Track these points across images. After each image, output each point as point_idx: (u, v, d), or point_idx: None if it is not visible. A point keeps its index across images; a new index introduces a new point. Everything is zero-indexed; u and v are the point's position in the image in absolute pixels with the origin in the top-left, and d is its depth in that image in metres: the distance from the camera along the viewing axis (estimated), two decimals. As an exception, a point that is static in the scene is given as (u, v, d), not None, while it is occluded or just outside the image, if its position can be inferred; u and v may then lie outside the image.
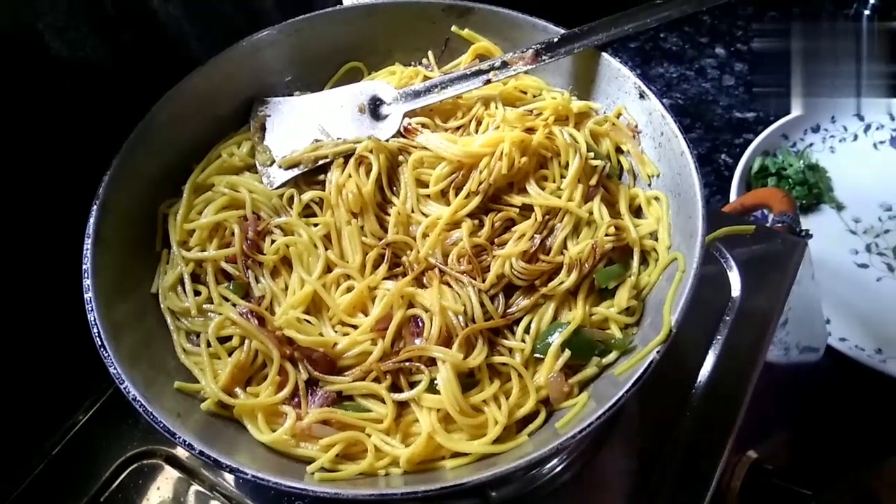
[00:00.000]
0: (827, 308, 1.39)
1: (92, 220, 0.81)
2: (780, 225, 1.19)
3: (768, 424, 1.12)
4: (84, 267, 0.78)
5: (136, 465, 0.97)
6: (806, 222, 1.57)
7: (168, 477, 0.96)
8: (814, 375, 1.34)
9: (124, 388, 0.70)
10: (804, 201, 1.61)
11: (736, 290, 1.05)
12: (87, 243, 0.80)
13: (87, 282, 0.77)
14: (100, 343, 0.73)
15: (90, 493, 0.95)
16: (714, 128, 1.79)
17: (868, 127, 1.71)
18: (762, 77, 1.88)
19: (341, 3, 1.32)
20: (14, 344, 0.97)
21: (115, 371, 0.71)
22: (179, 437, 0.67)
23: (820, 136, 1.71)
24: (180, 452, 0.97)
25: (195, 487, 0.94)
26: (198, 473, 0.95)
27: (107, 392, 1.04)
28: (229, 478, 0.94)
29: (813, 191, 1.62)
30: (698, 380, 0.98)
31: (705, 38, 1.98)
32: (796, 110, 1.72)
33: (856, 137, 1.71)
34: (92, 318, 0.74)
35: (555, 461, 0.93)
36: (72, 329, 0.98)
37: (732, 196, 1.55)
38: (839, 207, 1.63)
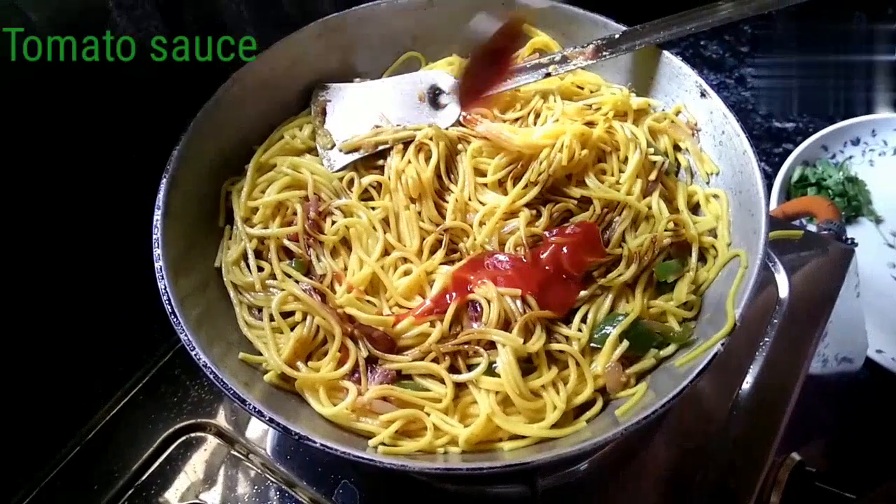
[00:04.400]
0: (865, 320, 1.39)
1: (161, 194, 0.83)
2: (826, 233, 1.19)
3: (808, 428, 1.12)
4: (154, 237, 0.80)
5: (183, 438, 0.99)
6: (843, 234, 1.57)
7: (216, 450, 0.97)
8: (851, 384, 1.34)
9: (195, 355, 0.71)
10: (843, 213, 1.61)
11: (784, 293, 1.05)
12: (157, 215, 0.81)
13: (158, 251, 0.79)
14: (170, 310, 0.75)
15: (137, 464, 0.97)
16: (753, 136, 1.75)
17: (908, 142, 1.70)
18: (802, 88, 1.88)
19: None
20: (64, 320, 0.99)
21: (185, 338, 0.72)
22: (249, 405, 0.69)
23: (860, 149, 1.71)
24: (226, 426, 0.99)
25: (243, 461, 0.96)
26: (246, 448, 0.97)
27: (154, 367, 1.06)
28: (269, 453, 0.95)
29: (852, 203, 1.62)
30: (745, 380, 0.98)
31: (745, 48, 1.98)
32: (837, 122, 1.72)
33: (895, 151, 1.71)
34: (163, 287, 0.76)
35: (598, 455, 0.94)
36: (122, 306, 1.01)
37: (773, 204, 1.55)
38: (878, 220, 1.62)
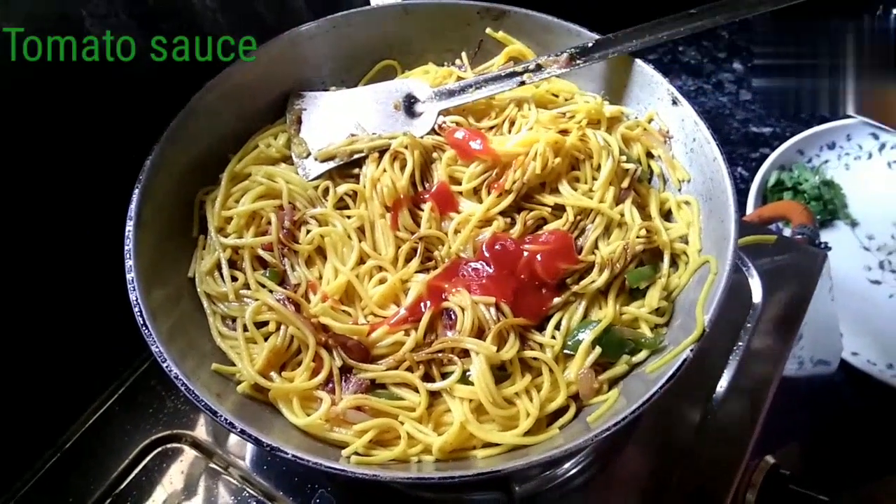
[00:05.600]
0: (840, 323, 1.40)
1: (134, 204, 0.83)
2: (799, 237, 1.21)
3: (783, 431, 1.13)
4: (126, 248, 0.79)
5: (160, 449, 0.98)
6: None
7: (192, 461, 0.97)
8: (826, 387, 1.35)
9: (166, 367, 0.71)
10: (819, 217, 1.63)
11: (757, 297, 1.07)
12: (129, 225, 0.81)
13: (130, 262, 0.78)
14: (142, 322, 0.74)
15: (113, 476, 0.97)
16: (730, 141, 1.81)
17: (883, 146, 1.73)
18: (779, 92, 1.90)
19: (368, 3, 1.35)
20: (42, 330, 0.99)
21: (157, 350, 0.72)
22: (221, 416, 0.68)
23: (835, 153, 1.73)
24: (203, 437, 0.98)
25: (218, 472, 0.96)
26: (222, 459, 0.96)
27: (130, 378, 1.05)
28: (247, 463, 0.95)
29: (828, 206, 1.64)
30: (719, 384, 0.99)
31: (723, 53, 2.01)
32: (812, 127, 1.74)
33: (870, 156, 1.73)
34: (134, 298, 0.76)
35: (574, 461, 0.95)
36: (96, 317, 1.00)
37: (749, 209, 1.57)
38: (853, 224, 1.65)
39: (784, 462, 1.00)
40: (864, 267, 1.58)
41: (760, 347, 1.02)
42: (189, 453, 0.98)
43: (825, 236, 1.62)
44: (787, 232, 1.35)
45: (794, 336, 1.03)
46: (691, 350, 0.72)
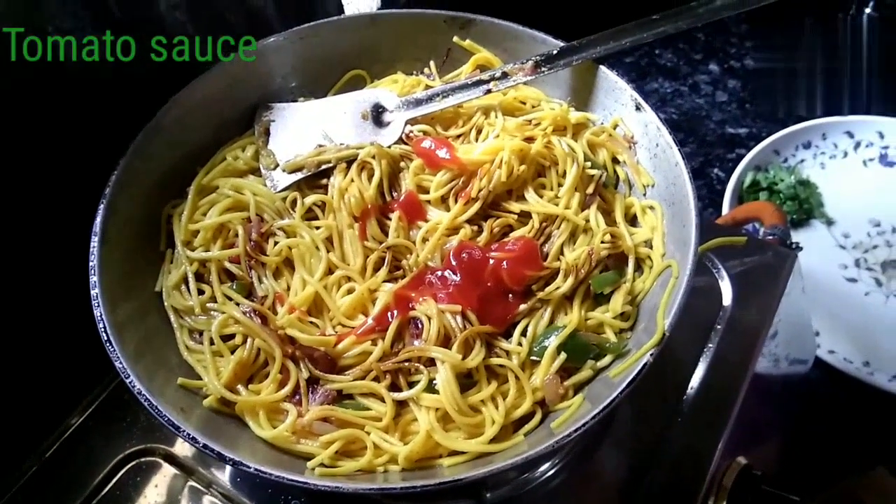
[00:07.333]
0: (816, 321, 1.42)
1: (99, 220, 0.83)
2: (771, 237, 1.22)
3: (758, 431, 1.14)
4: (91, 264, 0.79)
5: (134, 463, 0.98)
6: (796, 237, 1.60)
7: (166, 475, 0.97)
8: (803, 386, 1.36)
9: (129, 383, 0.71)
10: (795, 216, 1.64)
11: (727, 300, 1.07)
12: (94, 241, 0.81)
13: (94, 279, 0.78)
14: (106, 338, 0.74)
15: (87, 491, 0.96)
16: (707, 142, 1.82)
17: (858, 144, 1.74)
18: (755, 94, 1.92)
19: (343, 12, 1.35)
20: (13, 343, 0.98)
21: (120, 366, 0.72)
22: (184, 431, 0.69)
23: (811, 153, 1.75)
24: (178, 450, 0.98)
25: (193, 485, 0.95)
26: (195, 471, 0.96)
27: (104, 391, 1.05)
28: (226, 476, 0.95)
29: (803, 206, 1.65)
30: (689, 387, 1.00)
31: (699, 55, 2.02)
32: (788, 127, 1.75)
33: (846, 154, 1.75)
34: (98, 314, 0.76)
35: (548, 464, 0.95)
36: (70, 329, 0.99)
37: (725, 209, 1.58)
38: (829, 223, 1.66)
39: (760, 462, 1.01)
40: (840, 265, 1.59)
41: (730, 349, 1.03)
42: (164, 467, 0.98)
43: (801, 236, 1.63)
44: (761, 233, 1.36)
45: (764, 337, 1.03)
46: (651, 354, 0.73)
